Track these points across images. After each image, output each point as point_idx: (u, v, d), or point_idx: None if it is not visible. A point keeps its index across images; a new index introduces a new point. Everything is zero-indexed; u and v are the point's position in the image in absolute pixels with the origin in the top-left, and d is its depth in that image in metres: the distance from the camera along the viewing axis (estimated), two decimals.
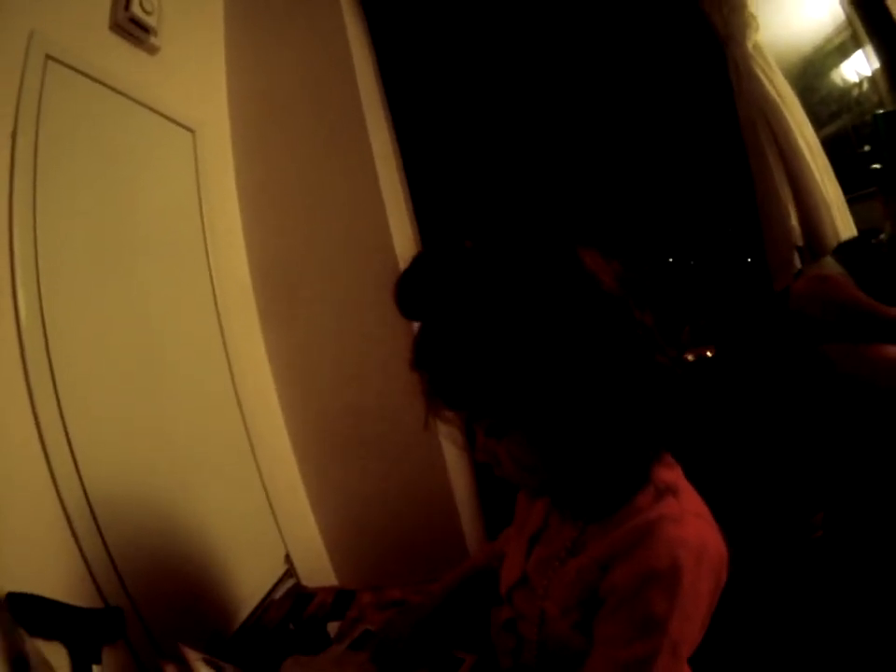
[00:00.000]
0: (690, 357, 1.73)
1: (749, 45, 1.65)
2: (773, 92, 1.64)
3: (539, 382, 0.62)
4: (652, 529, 0.64)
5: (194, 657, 0.87)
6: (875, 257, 1.40)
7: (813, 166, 1.64)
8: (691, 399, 0.71)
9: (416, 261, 0.67)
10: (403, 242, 1.70)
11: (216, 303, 1.51)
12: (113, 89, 1.23)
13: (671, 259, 1.95)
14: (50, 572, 0.89)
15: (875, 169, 1.45)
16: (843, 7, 1.80)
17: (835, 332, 1.34)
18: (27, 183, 1.01)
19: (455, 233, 0.68)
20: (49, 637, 0.81)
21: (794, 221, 1.64)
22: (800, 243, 1.65)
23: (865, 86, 1.82)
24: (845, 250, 1.49)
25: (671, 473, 0.71)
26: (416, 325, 0.70)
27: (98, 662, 0.85)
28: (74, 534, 0.94)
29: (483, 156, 1.97)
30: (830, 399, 1.37)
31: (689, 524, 0.64)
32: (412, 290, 0.67)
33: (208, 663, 0.88)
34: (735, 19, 1.64)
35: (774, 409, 1.58)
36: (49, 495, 0.93)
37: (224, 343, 1.50)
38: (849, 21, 1.81)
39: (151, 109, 1.37)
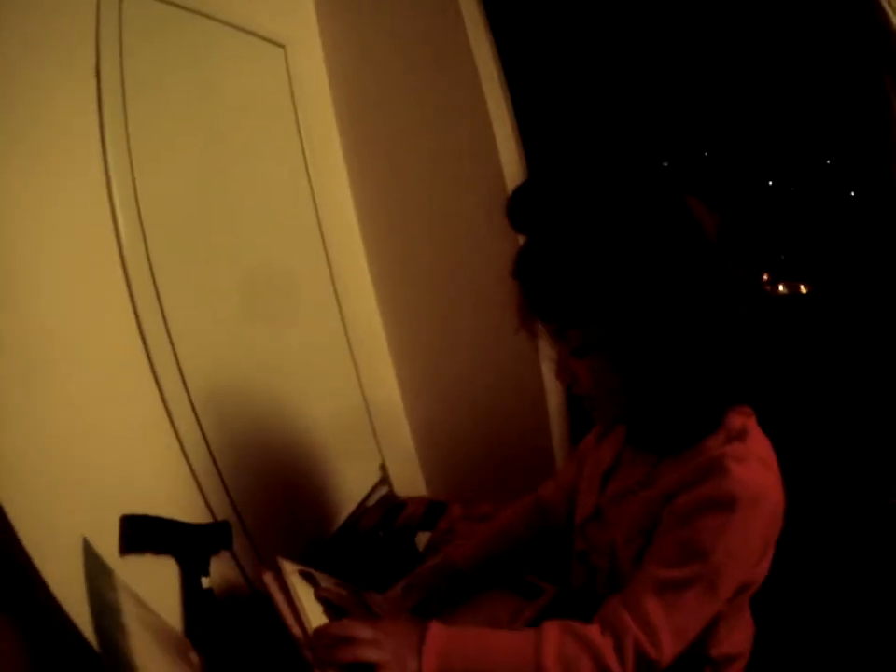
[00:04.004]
0: (782, 289, 1.53)
1: None
2: None
3: (633, 306, 0.66)
4: (717, 465, 0.67)
5: (290, 569, 0.92)
6: None
7: None
8: (778, 341, 0.71)
9: (531, 178, 0.74)
10: (507, 152, 1.57)
11: (319, 224, 1.54)
12: (194, 11, 1.20)
13: (770, 183, 1.67)
14: (163, 490, 0.97)
15: None
16: None
17: None
18: (118, 118, 1.00)
19: (569, 159, 0.71)
20: (160, 551, 0.90)
21: None
22: None
23: None
24: None
25: (743, 419, 0.73)
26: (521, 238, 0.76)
27: (206, 574, 0.93)
28: (185, 454, 1.02)
29: (591, 70, 1.75)
30: None
31: (752, 467, 0.68)
32: (522, 204, 0.72)
33: (303, 574, 0.93)
34: None
35: (869, 361, 1.39)
36: (162, 417, 1.00)
37: (325, 249, 1.54)
38: None
39: (237, 27, 1.32)
